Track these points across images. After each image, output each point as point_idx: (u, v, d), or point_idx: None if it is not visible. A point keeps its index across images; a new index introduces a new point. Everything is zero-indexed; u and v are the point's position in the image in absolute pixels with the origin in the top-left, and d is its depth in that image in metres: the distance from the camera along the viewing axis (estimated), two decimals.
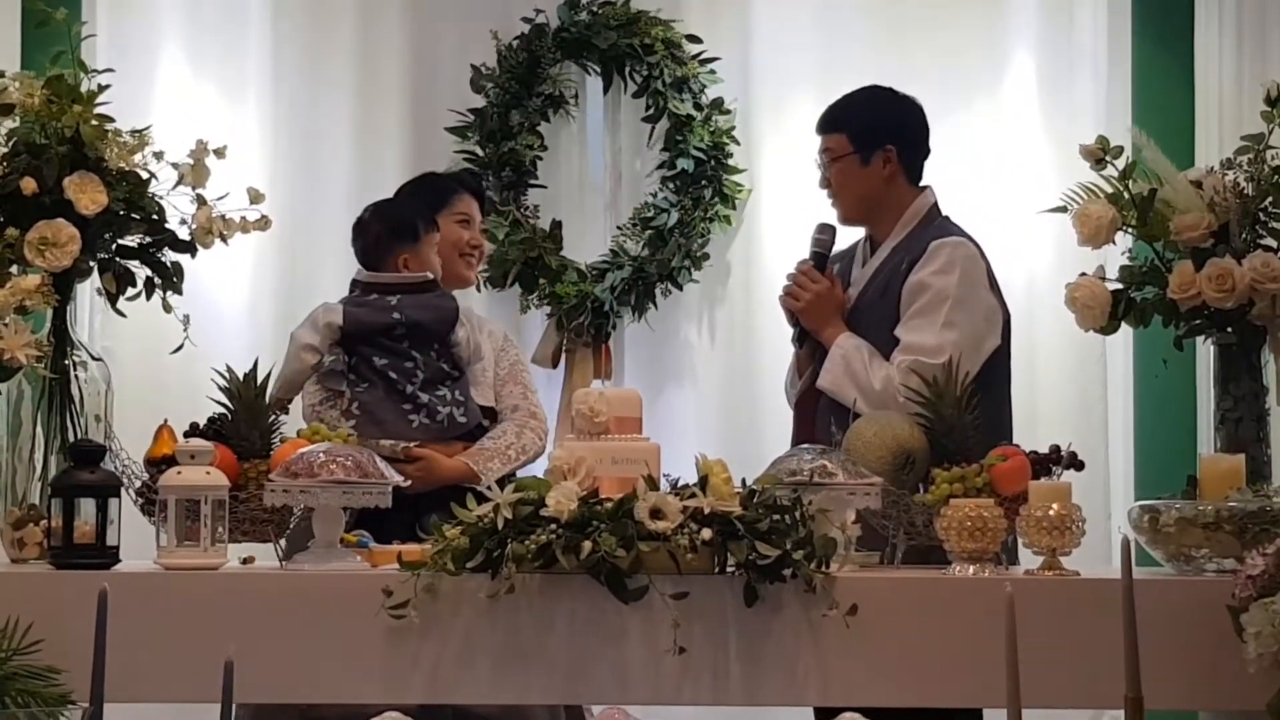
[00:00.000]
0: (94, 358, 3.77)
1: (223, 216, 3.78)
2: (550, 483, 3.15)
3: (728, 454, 3.83)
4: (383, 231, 4.16)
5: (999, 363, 4.01)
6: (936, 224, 4.10)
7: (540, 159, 5.35)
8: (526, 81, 5.33)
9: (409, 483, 3.50)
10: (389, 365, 4.00)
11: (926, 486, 3.45)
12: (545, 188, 5.33)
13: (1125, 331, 4.13)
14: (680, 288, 5.31)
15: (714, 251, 5.31)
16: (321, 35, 5.38)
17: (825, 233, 4.16)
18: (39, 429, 3.65)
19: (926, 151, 4.22)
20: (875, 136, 4.11)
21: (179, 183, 3.76)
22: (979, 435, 3.57)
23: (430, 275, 4.11)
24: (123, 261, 3.76)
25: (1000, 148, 5.33)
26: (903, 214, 4.11)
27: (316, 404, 4.04)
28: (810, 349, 4.12)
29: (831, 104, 4.28)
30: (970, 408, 3.59)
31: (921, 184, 4.18)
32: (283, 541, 3.53)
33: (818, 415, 4.02)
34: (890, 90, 4.26)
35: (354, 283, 4.16)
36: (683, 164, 5.30)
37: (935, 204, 4.16)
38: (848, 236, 4.26)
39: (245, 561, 3.47)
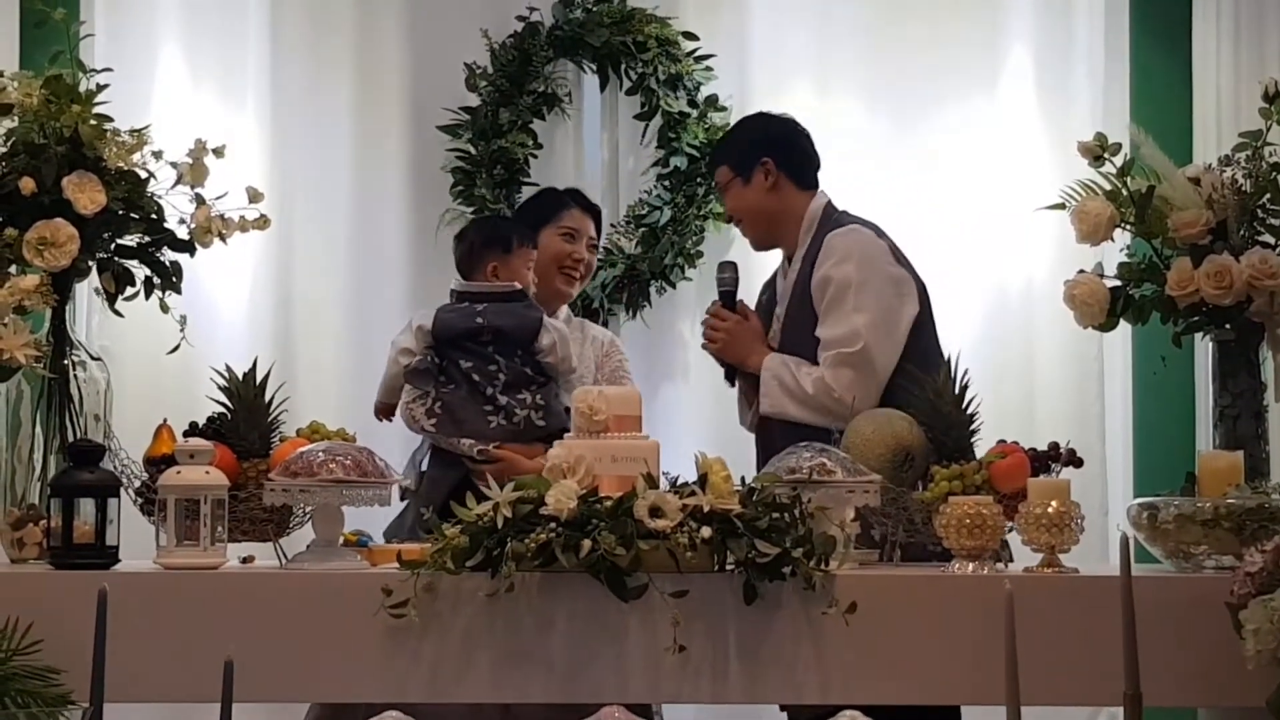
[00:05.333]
0: (93, 357, 3.77)
1: (222, 216, 3.78)
2: (550, 481, 3.15)
3: (723, 451, 3.83)
4: (477, 241, 4.33)
5: (924, 329, 4.13)
6: (833, 220, 4.22)
7: (535, 157, 5.35)
8: (517, 80, 5.33)
9: (407, 482, 3.51)
10: (473, 368, 4.11)
11: (925, 484, 3.45)
12: (538, 186, 5.32)
13: (1124, 328, 4.13)
14: (674, 285, 5.31)
15: (708, 249, 5.31)
16: (320, 34, 5.38)
17: (726, 270, 4.31)
18: (38, 429, 3.65)
19: (811, 159, 4.35)
20: (750, 154, 4.29)
21: (178, 182, 3.77)
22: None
23: (517, 286, 4.23)
24: (121, 261, 3.76)
25: (998, 144, 5.33)
26: (801, 221, 4.24)
27: (408, 402, 4.17)
28: (747, 379, 4.25)
29: (712, 147, 4.55)
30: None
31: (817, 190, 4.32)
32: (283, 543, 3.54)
33: (779, 437, 4.02)
34: (760, 113, 4.49)
35: (451, 290, 4.30)
36: (676, 161, 5.31)
37: (829, 203, 4.28)
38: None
39: (245, 561, 3.47)
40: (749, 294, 4.44)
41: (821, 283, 4.09)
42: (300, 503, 3.42)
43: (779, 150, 4.28)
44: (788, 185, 4.27)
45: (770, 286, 4.40)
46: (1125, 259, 3.82)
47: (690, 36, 5.37)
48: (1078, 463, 3.55)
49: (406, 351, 4.17)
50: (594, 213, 4.66)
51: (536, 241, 4.39)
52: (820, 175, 4.39)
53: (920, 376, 3.69)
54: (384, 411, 4.27)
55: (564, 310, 4.60)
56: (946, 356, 3.70)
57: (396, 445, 4.39)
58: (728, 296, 4.27)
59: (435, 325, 4.15)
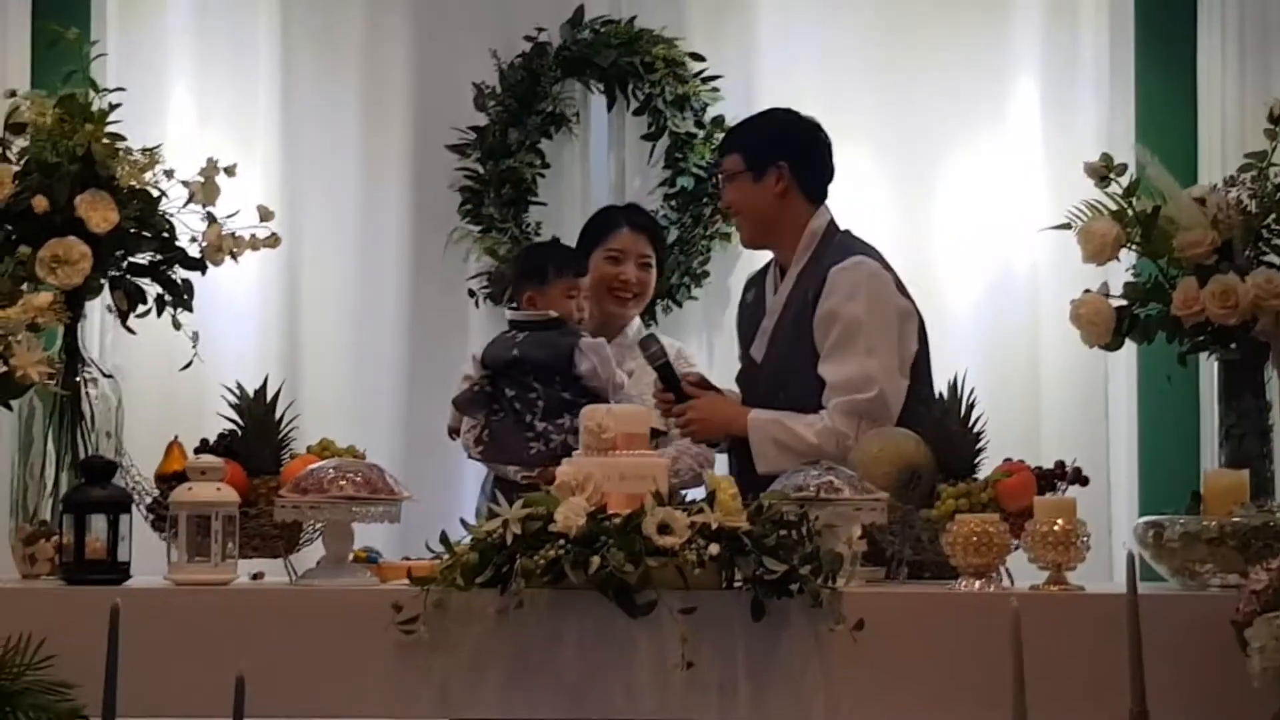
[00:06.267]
0: (105, 374, 3.79)
1: (233, 234, 3.81)
2: (559, 498, 3.17)
3: (730, 469, 3.84)
4: (518, 271, 4.41)
5: (921, 365, 4.04)
6: (835, 242, 4.10)
7: (542, 177, 5.37)
8: (526, 100, 5.35)
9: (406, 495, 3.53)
10: (516, 396, 4.16)
11: (932, 502, 3.47)
12: (546, 205, 5.34)
13: (1130, 348, 4.14)
14: (680, 305, 5.32)
15: (714, 269, 5.32)
16: (329, 52, 5.39)
17: (652, 345, 4.19)
18: (50, 445, 3.68)
19: (827, 173, 4.21)
20: (767, 153, 4.13)
21: (189, 200, 3.79)
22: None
23: (553, 314, 4.23)
24: (133, 279, 3.79)
25: (1005, 166, 5.34)
26: (801, 235, 4.11)
27: (465, 430, 4.26)
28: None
29: (730, 127, 4.32)
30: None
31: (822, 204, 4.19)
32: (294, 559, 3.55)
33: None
34: (788, 111, 4.29)
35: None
36: (683, 182, 5.32)
37: (831, 221, 4.15)
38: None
39: (255, 577, 3.49)
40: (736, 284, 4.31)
41: (827, 318, 3.97)
42: (310, 519, 3.45)
43: (798, 157, 4.13)
44: (796, 195, 4.12)
45: (755, 285, 4.29)
46: (1131, 279, 3.83)
47: (697, 58, 5.39)
48: (1084, 481, 3.56)
49: (466, 378, 4.24)
50: (647, 229, 4.61)
51: (582, 268, 4.36)
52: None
53: (930, 401, 3.69)
54: (456, 433, 4.35)
55: (634, 324, 4.60)
56: (954, 375, 3.69)
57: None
58: (665, 369, 4.15)
59: (484, 356, 4.22)
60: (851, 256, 4.04)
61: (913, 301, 4.07)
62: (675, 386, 4.13)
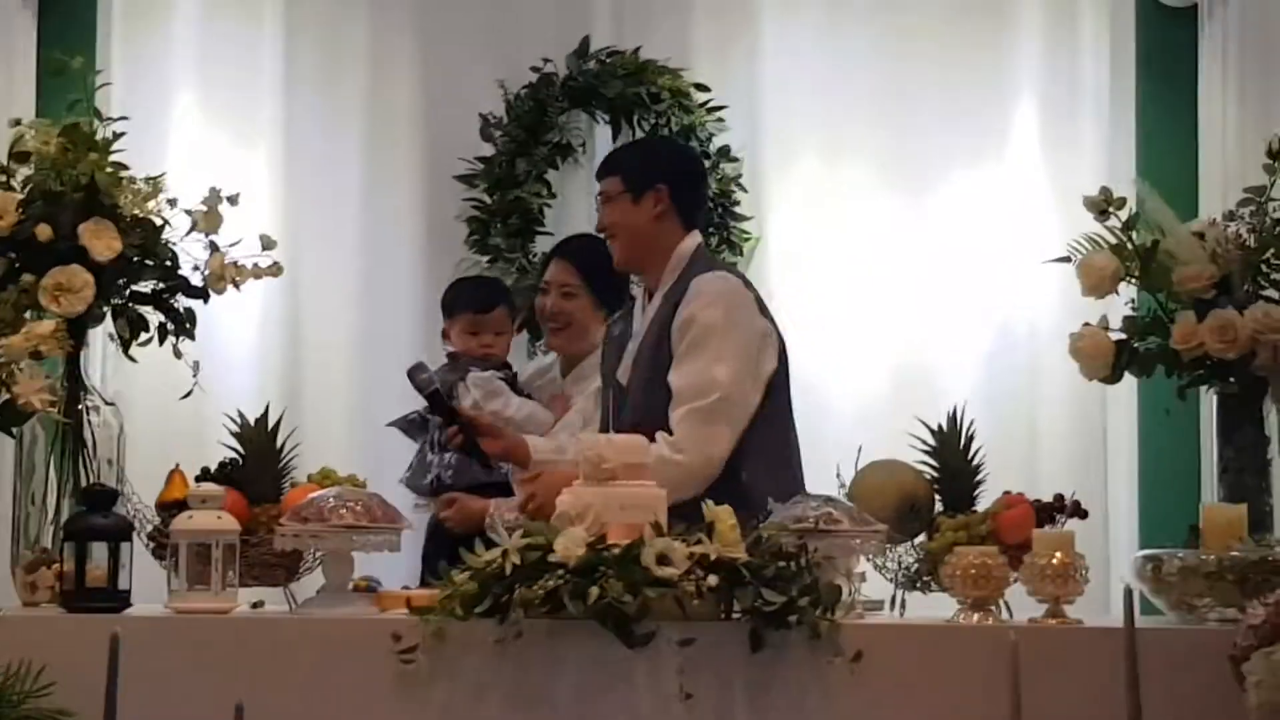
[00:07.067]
0: (107, 402, 3.80)
1: (235, 263, 3.82)
2: (558, 529, 3.18)
3: None
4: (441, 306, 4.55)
5: (779, 387, 3.98)
6: (700, 264, 4.08)
7: (548, 207, 5.39)
8: (533, 130, 5.38)
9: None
10: (427, 428, 4.35)
11: (930, 534, 3.47)
12: (552, 235, 5.36)
13: (1129, 381, 4.15)
14: None
15: None
16: (333, 83, 5.43)
17: (420, 374, 4.12)
18: (52, 473, 3.69)
19: (702, 200, 4.29)
20: (647, 176, 4.09)
21: (192, 229, 3.81)
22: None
23: (449, 350, 4.37)
24: (136, 307, 3.80)
25: (1005, 198, 5.36)
26: (670, 258, 4.07)
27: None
28: None
29: (610, 151, 4.43)
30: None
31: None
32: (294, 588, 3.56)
33: None
34: (668, 139, 4.43)
35: None
36: None
37: (700, 245, 4.14)
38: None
39: (255, 606, 3.49)
40: None
41: (684, 324, 3.92)
42: (311, 548, 3.45)
43: (676, 182, 4.10)
44: (672, 218, 4.07)
45: (621, 319, 4.25)
46: (1130, 312, 3.84)
47: (702, 88, 5.41)
48: (1082, 514, 3.56)
49: None
50: (573, 258, 4.50)
51: (488, 305, 4.47)
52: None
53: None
54: None
55: (597, 356, 4.41)
56: (953, 407, 3.69)
57: None
58: (434, 398, 4.11)
59: None
60: (716, 270, 4.06)
61: (773, 322, 4.02)
62: (444, 412, 4.12)
